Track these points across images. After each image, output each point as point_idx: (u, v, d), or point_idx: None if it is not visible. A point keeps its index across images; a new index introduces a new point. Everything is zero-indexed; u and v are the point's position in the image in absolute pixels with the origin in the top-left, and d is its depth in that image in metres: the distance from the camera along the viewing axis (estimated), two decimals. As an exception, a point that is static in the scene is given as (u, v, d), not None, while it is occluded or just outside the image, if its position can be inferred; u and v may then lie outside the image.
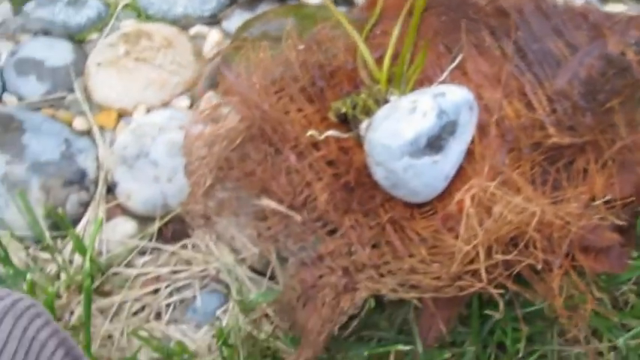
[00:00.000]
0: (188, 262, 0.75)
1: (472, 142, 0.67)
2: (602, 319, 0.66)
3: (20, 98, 0.88)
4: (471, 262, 0.60)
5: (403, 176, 0.64)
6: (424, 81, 0.74)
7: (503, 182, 0.62)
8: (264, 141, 0.71)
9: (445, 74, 0.73)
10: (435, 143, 0.63)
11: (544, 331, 0.67)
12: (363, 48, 0.75)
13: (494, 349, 0.67)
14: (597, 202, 0.63)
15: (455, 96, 0.65)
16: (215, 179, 0.69)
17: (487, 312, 0.63)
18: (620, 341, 0.63)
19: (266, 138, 0.71)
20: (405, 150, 0.63)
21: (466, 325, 0.67)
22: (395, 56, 0.73)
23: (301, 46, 0.77)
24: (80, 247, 0.70)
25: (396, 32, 0.74)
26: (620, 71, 0.72)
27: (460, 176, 0.67)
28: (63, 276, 0.71)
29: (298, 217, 0.67)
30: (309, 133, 0.69)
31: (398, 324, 0.68)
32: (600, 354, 0.67)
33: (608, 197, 0.64)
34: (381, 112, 0.67)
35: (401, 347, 0.63)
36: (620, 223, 0.63)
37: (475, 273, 0.60)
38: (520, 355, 0.64)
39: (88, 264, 0.69)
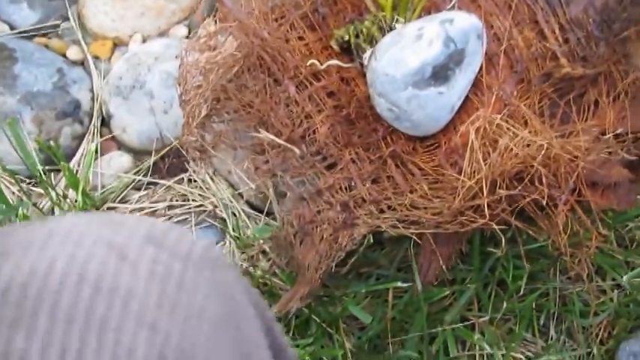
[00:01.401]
0: (184, 197, 0.73)
1: (480, 72, 0.64)
2: (607, 257, 0.64)
3: (12, 27, 0.84)
4: (474, 197, 0.58)
5: (406, 108, 0.61)
6: (432, 8, 0.70)
7: (510, 114, 0.60)
8: (263, 71, 0.68)
9: (452, 2, 0.69)
10: (440, 73, 0.60)
11: (546, 268, 0.65)
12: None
13: (494, 287, 0.66)
14: (607, 136, 0.61)
15: (463, 23, 0.61)
16: (211, 110, 0.67)
17: (489, 249, 0.61)
18: (623, 279, 0.61)
19: (265, 67, 0.68)
20: (409, 80, 0.60)
21: (467, 262, 0.66)
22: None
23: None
24: (73, 182, 0.69)
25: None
26: (637, 0, 0.68)
27: (466, 108, 0.65)
28: (57, 211, 0.70)
29: (297, 151, 0.65)
30: (310, 62, 0.66)
31: (397, 261, 0.67)
32: (603, 292, 0.65)
33: (619, 131, 0.62)
34: (385, 40, 0.64)
35: (400, 284, 0.62)
36: (631, 158, 0.61)
37: (477, 209, 0.59)
38: (521, 292, 0.63)
39: (80, 199, 0.67)
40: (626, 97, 0.65)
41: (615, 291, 0.64)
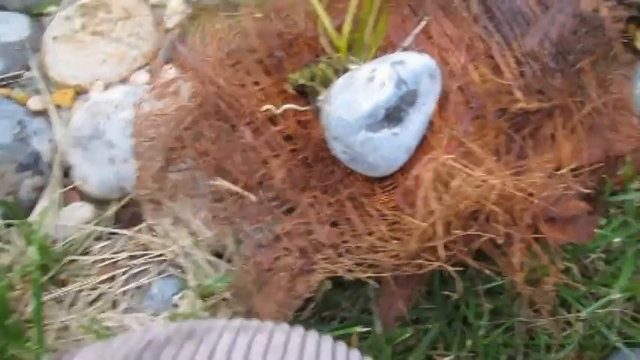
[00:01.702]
0: (145, 247, 0.72)
1: (436, 110, 0.64)
2: (571, 289, 0.63)
3: (-27, 78, 0.84)
4: (430, 238, 0.57)
5: (361, 150, 0.61)
6: (388, 47, 0.70)
7: (465, 154, 0.59)
8: (219, 118, 0.67)
9: (409, 39, 0.69)
10: (393, 115, 0.60)
11: (510, 303, 0.64)
12: (321, 12, 0.71)
13: (460, 325, 0.65)
14: (563, 170, 0.60)
15: (415, 64, 0.61)
16: (166, 161, 0.66)
17: (445, 292, 0.61)
18: (583, 313, 0.60)
19: (221, 114, 0.67)
20: (362, 123, 0.60)
21: (430, 300, 0.65)
22: (358, 21, 0.69)
23: (259, 15, 0.74)
24: (30, 238, 0.68)
25: (354, -3, 0.70)
26: (593, 30, 0.68)
27: (423, 147, 0.64)
28: (17, 267, 0.69)
29: (253, 198, 0.64)
30: (265, 107, 0.66)
31: (360, 303, 0.66)
32: (569, 324, 0.64)
33: (574, 165, 0.61)
34: (338, 83, 0.63)
35: (359, 329, 0.61)
36: (587, 191, 0.60)
37: (435, 250, 0.58)
38: (484, 330, 0.62)
39: (37, 255, 0.67)
40: (582, 128, 0.64)
41: (580, 323, 0.63)
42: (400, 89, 0.59)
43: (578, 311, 0.62)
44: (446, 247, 0.57)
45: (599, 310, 0.61)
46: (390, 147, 0.61)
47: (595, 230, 0.59)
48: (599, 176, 0.62)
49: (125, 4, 0.87)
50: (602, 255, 0.65)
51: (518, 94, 0.64)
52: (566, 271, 0.64)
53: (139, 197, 0.66)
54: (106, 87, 0.82)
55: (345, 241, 0.63)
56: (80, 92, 0.83)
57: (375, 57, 0.68)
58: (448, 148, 0.60)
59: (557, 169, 0.61)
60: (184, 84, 0.69)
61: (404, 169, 0.64)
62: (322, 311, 0.66)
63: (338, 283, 0.64)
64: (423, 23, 0.68)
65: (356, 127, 0.60)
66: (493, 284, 0.61)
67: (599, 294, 0.63)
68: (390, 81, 0.59)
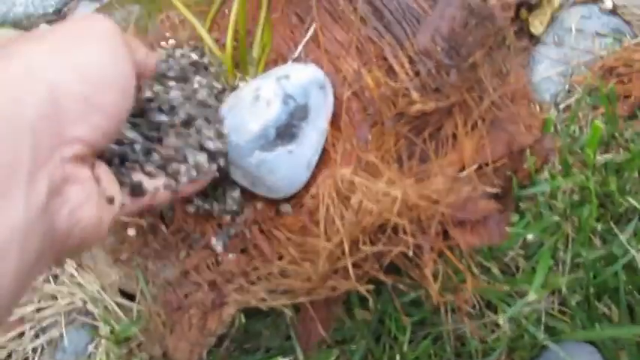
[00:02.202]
0: (53, 297, 0.68)
1: (333, 120, 0.62)
2: (494, 289, 0.62)
3: None
4: (339, 258, 0.55)
5: (258, 174, 0.58)
6: (279, 60, 0.67)
7: (366, 164, 0.57)
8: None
9: (298, 51, 0.66)
10: (286, 132, 0.57)
11: (435, 312, 0.62)
12: (200, 29, 0.67)
13: (388, 339, 0.63)
14: (467, 171, 0.59)
15: (301, 77, 0.58)
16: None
17: (356, 311, 0.58)
18: (509, 313, 0.59)
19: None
20: (254, 145, 0.57)
21: (354, 319, 0.63)
22: (249, 34, 0.67)
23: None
24: None
25: (234, 8, 0.67)
26: (482, 20, 0.66)
27: (324, 161, 0.62)
28: None
29: (164, 228, 0.61)
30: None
31: (282, 330, 0.63)
32: (497, 325, 0.63)
33: (478, 164, 0.60)
34: (227, 104, 0.60)
35: (281, 358, 0.58)
36: (494, 190, 0.59)
37: (346, 269, 0.56)
38: (410, 343, 0.60)
39: None
40: (483, 124, 0.63)
41: (507, 324, 0.62)
42: (288, 105, 0.56)
43: (504, 311, 0.61)
44: (357, 265, 0.55)
45: (525, 308, 0.60)
46: (287, 166, 0.58)
47: (507, 229, 0.58)
48: (505, 172, 0.61)
49: (5, 41, 0.81)
50: (521, 251, 0.64)
51: (415, 95, 0.62)
52: (487, 271, 0.63)
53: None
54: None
55: (255, 268, 0.60)
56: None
57: (265, 71, 0.65)
58: (347, 161, 0.58)
59: (462, 169, 0.60)
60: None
61: (308, 186, 0.61)
62: (244, 343, 0.63)
63: (257, 311, 0.61)
64: (309, 32, 0.66)
65: (248, 149, 0.57)
66: (413, 296, 0.59)
67: (523, 291, 0.62)
68: (277, 98, 0.56)
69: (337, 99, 0.62)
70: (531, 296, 0.56)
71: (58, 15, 0.87)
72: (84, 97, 0.38)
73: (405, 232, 0.54)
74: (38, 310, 0.68)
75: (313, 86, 0.59)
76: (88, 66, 0.39)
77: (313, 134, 0.59)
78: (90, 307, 0.66)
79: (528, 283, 0.61)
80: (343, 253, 0.54)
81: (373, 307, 0.55)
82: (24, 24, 0.86)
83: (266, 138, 0.57)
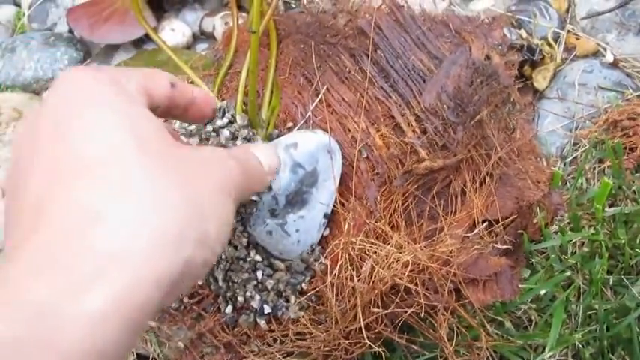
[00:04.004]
0: None
1: (342, 181, 0.62)
2: (507, 343, 0.62)
3: None
4: (354, 319, 0.55)
5: (269, 240, 0.58)
6: (287, 119, 0.69)
7: (373, 230, 0.58)
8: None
9: (308, 114, 0.68)
10: (295, 199, 0.58)
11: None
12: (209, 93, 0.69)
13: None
14: (477, 230, 0.59)
15: (308, 144, 0.59)
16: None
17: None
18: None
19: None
20: (265, 214, 0.57)
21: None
22: (257, 96, 0.68)
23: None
24: None
25: (244, 72, 0.68)
26: (487, 78, 0.68)
27: (335, 221, 0.63)
28: None
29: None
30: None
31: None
32: (512, 380, 0.63)
33: (488, 221, 0.60)
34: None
35: (296, 423, 0.58)
36: (505, 246, 0.59)
37: (360, 330, 0.56)
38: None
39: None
40: (491, 180, 0.64)
41: (523, 379, 0.62)
42: (297, 174, 0.57)
43: (519, 365, 0.61)
44: (370, 326, 0.55)
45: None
46: (299, 231, 0.59)
47: (519, 284, 0.58)
48: (516, 228, 0.61)
49: (15, 104, 0.83)
50: (533, 305, 0.64)
51: (423, 153, 0.63)
52: (500, 325, 0.63)
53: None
54: (4, 194, 0.78)
55: (271, 330, 0.60)
56: (-22, 202, 0.78)
57: (275, 129, 0.67)
58: (357, 225, 0.59)
59: (472, 226, 0.61)
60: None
61: (323, 247, 0.62)
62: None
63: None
64: (319, 95, 0.67)
65: (259, 218, 0.58)
66: (428, 355, 0.59)
67: (537, 344, 0.62)
68: (285, 167, 0.57)
69: (346, 159, 0.63)
70: (547, 353, 0.56)
71: (69, 77, 0.89)
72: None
73: (417, 293, 0.55)
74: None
75: (321, 152, 0.60)
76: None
77: (323, 197, 0.60)
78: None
79: (541, 337, 0.61)
80: (356, 316, 0.54)
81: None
82: (33, 87, 0.88)
83: (277, 206, 0.57)
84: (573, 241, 0.67)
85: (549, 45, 0.81)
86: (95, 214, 0.30)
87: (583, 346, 0.63)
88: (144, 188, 0.32)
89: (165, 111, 0.43)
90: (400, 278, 0.52)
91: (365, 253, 0.54)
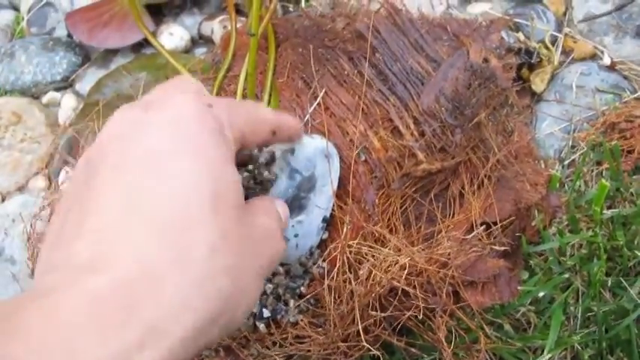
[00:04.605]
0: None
1: (340, 184, 0.62)
2: (507, 345, 0.62)
3: None
4: (352, 323, 0.55)
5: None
6: (286, 123, 0.69)
7: (371, 233, 0.58)
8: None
9: (306, 117, 0.68)
10: (294, 204, 0.58)
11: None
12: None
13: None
14: (475, 232, 0.59)
15: (306, 150, 0.59)
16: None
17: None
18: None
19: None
20: (263, 216, 0.58)
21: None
22: (256, 99, 0.68)
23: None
24: None
25: (242, 75, 0.68)
26: (485, 81, 0.68)
27: (333, 224, 0.63)
28: None
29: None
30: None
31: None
32: (512, 382, 0.63)
33: (486, 223, 0.60)
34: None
35: None
36: (503, 248, 0.59)
37: (359, 333, 0.56)
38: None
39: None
40: (489, 182, 0.64)
41: (522, 381, 0.62)
42: (294, 179, 0.57)
43: (518, 367, 0.61)
44: (368, 329, 0.55)
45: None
46: (297, 235, 0.59)
47: (518, 287, 0.58)
48: (514, 230, 0.61)
49: (14, 108, 0.83)
50: (532, 307, 0.64)
51: (421, 155, 0.63)
52: (499, 327, 0.63)
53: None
54: (4, 198, 0.78)
55: (270, 333, 0.60)
56: (-23, 207, 0.78)
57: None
58: (354, 228, 0.59)
59: (470, 229, 0.61)
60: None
61: (322, 250, 0.62)
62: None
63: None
64: (318, 99, 0.67)
65: (257, 222, 0.58)
66: (426, 359, 0.59)
67: (536, 346, 0.62)
68: (283, 173, 0.57)
69: (344, 162, 0.63)
70: (546, 356, 0.56)
71: (68, 82, 0.89)
72: None
73: (415, 296, 0.55)
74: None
75: (318, 156, 0.59)
76: None
77: (322, 201, 0.60)
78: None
79: (540, 339, 0.61)
80: (354, 319, 0.54)
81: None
82: (32, 91, 0.88)
83: (275, 210, 0.57)
84: (572, 243, 0.67)
85: (547, 48, 0.81)
86: (155, 277, 0.30)
87: (582, 348, 0.63)
88: (203, 262, 0.31)
89: None
90: (398, 281, 0.52)
91: (363, 256, 0.54)
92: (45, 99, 0.87)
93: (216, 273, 0.31)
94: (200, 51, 0.90)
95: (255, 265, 0.35)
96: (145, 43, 0.88)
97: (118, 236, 0.30)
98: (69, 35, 0.94)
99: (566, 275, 0.63)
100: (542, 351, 0.61)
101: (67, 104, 0.86)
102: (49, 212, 0.62)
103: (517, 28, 0.83)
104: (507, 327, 0.64)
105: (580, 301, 0.65)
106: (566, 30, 0.83)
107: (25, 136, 0.81)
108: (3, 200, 0.78)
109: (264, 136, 0.42)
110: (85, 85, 0.87)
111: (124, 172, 0.32)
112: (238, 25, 0.77)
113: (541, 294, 0.61)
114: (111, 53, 0.90)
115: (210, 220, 0.32)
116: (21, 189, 0.78)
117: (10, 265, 0.71)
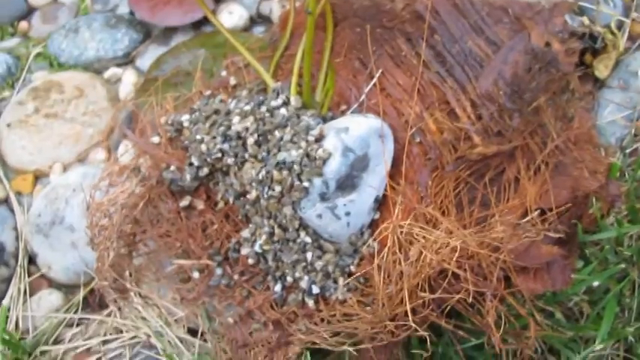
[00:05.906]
0: (118, 330, 0.70)
1: (393, 165, 0.62)
2: (558, 334, 0.61)
3: None
4: (400, 303, 0.55)
5: (320, 223, 0.59)
6: (341, 102, 0.69)
7: (422, 214, 0.57)
8: (175, 199, 0.66)
9: (362, 97, 0.68)
10: (346, 183, 0.58)
11: (497, 356, 0.62)
12: (264, 75, 0.70)
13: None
14: (529, 217, 0.58)
15: (360, 129, 0.59)
16: (128, 246, 0.64)
17: (416, 355, 0.58)
18: (575, 359, 0.58)
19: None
20: (315, 197, 0.58)
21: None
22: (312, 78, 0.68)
23: (208, 92, 0.73)
24: (-1, 333, 0.66)
25: (299, 54, 0.69)
26: (546, 65, 0.66)
27: (385, 204, 0.62)
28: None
29: (219, 271, 0.63)
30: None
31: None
32: (561, 372, 0.62)
33: (541, 209, 0.59)
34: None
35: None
36: (558, 235, 0.58)
37: (407, 315, 0.56)
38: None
39: (7, 350, 0.64)
40: (546, 168, 0.63)
41: (571, 371, 0.61)
42: (348, 158, 0.57)
43: (568, 357, 0.60)
44: (417, 310, 0.55)
45: (591, 354, 0.59)
46: (349, 214, 0.59)
47: (572, 275, 0.57)
48: (570, 218, 0.60)
49: (77, 83, 0.85)
50: (585, 296, 0.63)
51: (477, 139, 0.63)
52: (550, 315, 0.62)
53: (100, 288, 0.64)
54: (65, 168, 0.80)
55: (319, 310, 0.61)
56: (40, 176, 0.81)
57: (329, 111, 0.67)
58: (406, 209, 0.58)
59: (525, 214, 0.60)
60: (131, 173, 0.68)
61: (372, 231, 0.62)
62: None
63: (317, 350, 0.62)
64: (374, 79, 0.67)
65: (309, 201, 0.58)
66: (474, 342, 0.59)
67: (587, 336, 0.61)
68: (336, 151, 0.57)
69: (398, 143, 0.63)
70: (598, 346, 0.55)
71: (128, 58, 0.91)
72: None
73: (465, 280, 0.55)
74: (104, 342, 0.70)
75: (372, 136, 0.60)
76: None
77: (374, 181, 0.60)
78: (154, 341, 0.68)
79: (593, 330, 0.60)
80: (402, 300, 0.54)
81: (433, 351, 0.55)
82: (95, 67, 0.90)
83: (327, 189, 0.58)
84: (630, 233, 0.65)
85: (612, 33, 0.79)
86: None
87: (636, 340, 0.62)
88: None
89: None
90: (448, 263, 0.52)
91: (413, 237, 0.54)
92: (107, 74, 0.89)
93: None
94: (258, 30, 0.90)
95: None
96: (204, 21, 0.89)
97: None
98: (131, 12, 0.95)
99: (623, 266, 0.62)
100: (594, 341, 0.60)
101: (128, 80, 0.88)
102: (107, 183, 0.64)
103: (582, 11, 0.81)
104: (559, 315, 0.63)
105: (636, 293, 0.64)
106: (634, 15, 0.81)
107: (87, 109, 0.83)
108: (65, 170, 0.80)
109: None
110: (145, 62, 0.89)
111: None
112: (297, 4, 0.77)
113: (595, 284, 0.60)
114: (171, 31, 0.91)
115: None
116: (82, 160, 0.81)
117: (70, 232, 0.73)
